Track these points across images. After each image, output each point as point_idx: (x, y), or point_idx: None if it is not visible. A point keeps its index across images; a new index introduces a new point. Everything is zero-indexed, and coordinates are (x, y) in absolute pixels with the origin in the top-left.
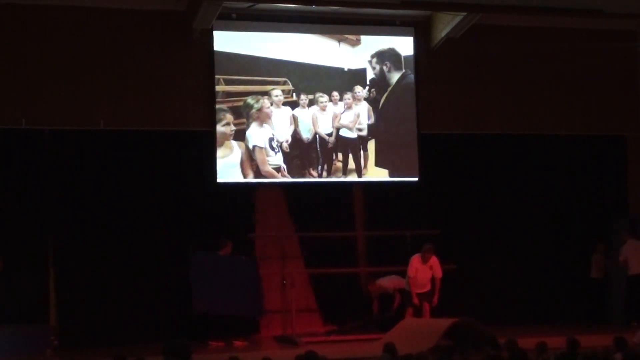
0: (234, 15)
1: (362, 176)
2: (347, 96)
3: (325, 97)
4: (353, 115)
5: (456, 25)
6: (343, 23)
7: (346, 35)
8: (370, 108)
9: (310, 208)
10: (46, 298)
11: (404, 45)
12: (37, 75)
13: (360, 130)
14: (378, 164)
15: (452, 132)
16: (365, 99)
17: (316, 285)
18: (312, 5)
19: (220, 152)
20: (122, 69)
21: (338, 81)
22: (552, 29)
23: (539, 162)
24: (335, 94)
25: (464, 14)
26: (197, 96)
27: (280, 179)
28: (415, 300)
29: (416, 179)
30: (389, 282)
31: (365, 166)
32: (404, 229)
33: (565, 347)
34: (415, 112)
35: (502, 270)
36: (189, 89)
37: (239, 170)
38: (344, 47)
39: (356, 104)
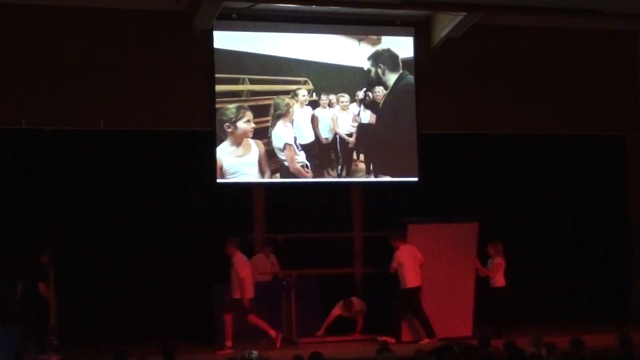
0: (234, 16)
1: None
2: (369, 95)
3: (346, 97)
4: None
5: (456, 25)
6: (343, 23)
7: (366, 34)
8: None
9: (310, 208)
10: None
11: (403, 46)
12: (37, 75)
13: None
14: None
15: (452, 132)
16: (362, 101)
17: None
18: (312, 5)
19: (239, 151)
20: (122, 69)
21: (359, 81)
22: (552, 29)
23: (539, 162)
24: (361, 93)
25: (464, 14)
26: (197, 96)
27: (279, 180)
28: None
29: (416, 179)
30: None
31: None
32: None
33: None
34: (415, 112)
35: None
36: (189, 88)
37: (257, 168)
38: (364, 46)
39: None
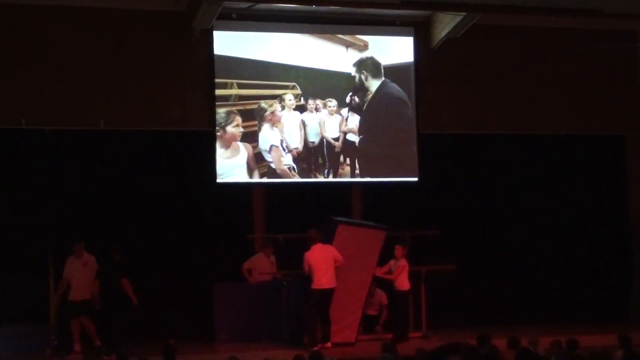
0: (234, 16)
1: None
2: (355, 100)
3: (334, 102)
4: (358, 120)
5: (456, 25)
6: (343, 23)
7: (354, 41)
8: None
9: (310, 208)
10: (46, 298)
11: (388, 53)
12: (37, 75)
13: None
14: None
15: (452, 132)
16: (349, 105)
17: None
18: (312, 5)
19: (227, 153)
20: (122, 69)
21: (346, 86)
22: (552, 29)
23: (539, 162)
24: (347, 97)
25: (464, 14)
26: (197, 96)
27: (279, 180)
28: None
29: (416, 179)
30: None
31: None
32: (404, 229)
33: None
34: (415, 112)
35: (502, 270)
36: (189, 89)
37: (245, 170)
38: (352, 52)
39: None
